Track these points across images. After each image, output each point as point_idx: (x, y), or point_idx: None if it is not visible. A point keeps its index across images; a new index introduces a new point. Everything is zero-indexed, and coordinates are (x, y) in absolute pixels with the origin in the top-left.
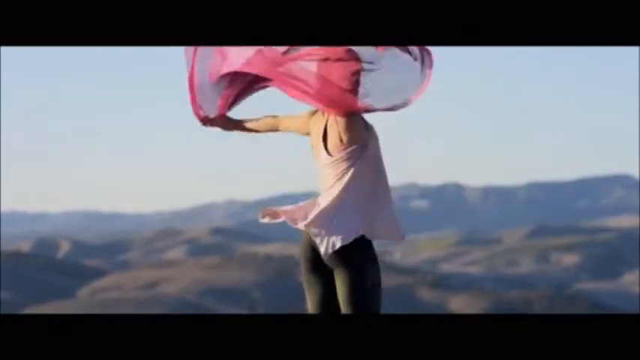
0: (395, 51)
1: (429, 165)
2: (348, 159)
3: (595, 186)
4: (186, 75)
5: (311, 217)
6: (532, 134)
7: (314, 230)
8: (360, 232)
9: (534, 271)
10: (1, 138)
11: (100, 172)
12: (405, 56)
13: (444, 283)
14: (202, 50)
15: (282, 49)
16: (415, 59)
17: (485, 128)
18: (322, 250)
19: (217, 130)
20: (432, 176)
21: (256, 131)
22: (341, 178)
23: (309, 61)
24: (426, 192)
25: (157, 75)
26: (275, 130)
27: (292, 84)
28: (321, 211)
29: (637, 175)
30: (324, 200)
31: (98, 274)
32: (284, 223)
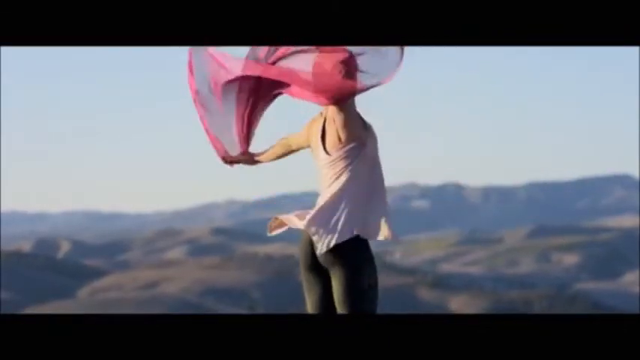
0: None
1: (429, 165)
2: (346, 157)
3: (595, 186)
4: (192, 92)
5: (309, 216)
6: (532, 134)
7: (312, 229)
8: (356, 232)
9: (535, 271)
10: (1, 138)
11: (100, 172)
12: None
13: (445, 283)
14: (199, 60)
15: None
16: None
17: (485, 128)
18: (318, 249)
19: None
20: (432, 176)
21: (277, 157)
22: (338, 177)
23: (303, 53)
24: (426, 192)
25: (157, 75)
26: (290, 150)
27: (292, 77)
28: (318, 210)
29: (637, 175)
30: (322, 200)
31: (98, 274)
32: None
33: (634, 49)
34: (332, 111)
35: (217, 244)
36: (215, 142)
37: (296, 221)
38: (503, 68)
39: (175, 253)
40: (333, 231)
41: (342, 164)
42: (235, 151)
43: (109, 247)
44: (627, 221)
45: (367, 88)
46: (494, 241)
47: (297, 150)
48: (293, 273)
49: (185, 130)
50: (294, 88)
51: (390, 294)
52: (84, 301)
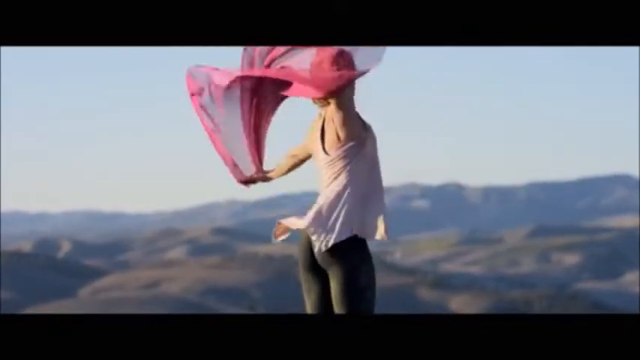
0: None
1: (429, 165)
2: (344, 157)
3: (596, 186)
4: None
5: (308, 216)
6: (532, 134)
7: (311, 229)
8: (354, 232)
9: (535, 270)
10: (1, 138)
11: (100, 172)
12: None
13: (445, 283)
14: (197, 75)
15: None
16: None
17: (485, 128)
18: (316, 248)
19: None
20: (433, 176)
21: (289, 170)
22: (337, 177)
23: (298, 51)
24: (426, 192)
25: (157, 75)
26: (299, 160)
27: (289, 74)
28: (317, 210)
29: (637, 175)
30: (321, 199)
31: (99, 273)
32: None
33: (634, 49)
34: (331, 111)
35: (218, 244)
36: (233, 169)
37: (296, 222)
38: (503, 68)
39: (176, 252)
40: (331, 231)
41: (340, 164)
42: (250, 171)
43: (110, 247)
44: (628, 221)
45: (361, 74)
46: (494, 241)
47: (306, 159)
48: (293, 273)
49: (185, 130)
50: (294, 86)
51: (391, 294)
52: (85, 301)
